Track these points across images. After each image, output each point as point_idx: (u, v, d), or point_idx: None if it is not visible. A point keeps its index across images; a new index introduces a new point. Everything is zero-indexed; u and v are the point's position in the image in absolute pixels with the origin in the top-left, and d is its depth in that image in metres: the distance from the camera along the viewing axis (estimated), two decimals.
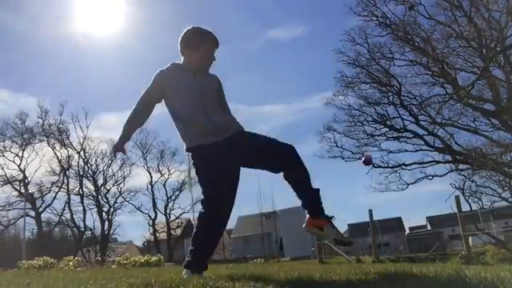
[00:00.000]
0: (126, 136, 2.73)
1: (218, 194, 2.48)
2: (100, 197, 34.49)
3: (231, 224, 45.39)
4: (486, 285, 1.55)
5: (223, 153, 2.51)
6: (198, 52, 2.72)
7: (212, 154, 2.51)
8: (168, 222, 36.81)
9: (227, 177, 2.52)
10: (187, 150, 2.64)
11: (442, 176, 16.83)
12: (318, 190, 2.60)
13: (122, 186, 35.09)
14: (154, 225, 36.60)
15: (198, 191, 37.21)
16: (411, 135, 17.46)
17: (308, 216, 2.62)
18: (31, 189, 31.81)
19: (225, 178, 2.50)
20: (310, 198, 2.59)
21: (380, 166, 17.74)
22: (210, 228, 2.50)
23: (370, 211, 11.10)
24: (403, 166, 17.34)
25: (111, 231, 35.03)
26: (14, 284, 2.54)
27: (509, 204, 17.74)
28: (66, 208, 33.18)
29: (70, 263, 9.69)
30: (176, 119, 2.68)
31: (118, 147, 2.71)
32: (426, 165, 17.00)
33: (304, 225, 2.64)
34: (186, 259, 2.54)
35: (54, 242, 34.87)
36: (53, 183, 32.66)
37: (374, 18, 17.09)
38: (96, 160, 34.65)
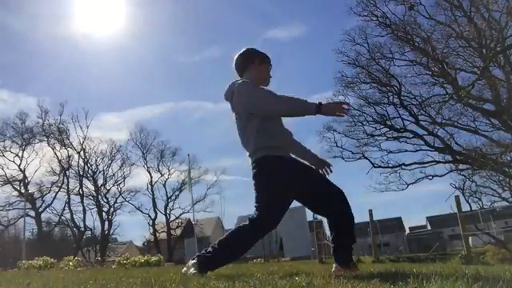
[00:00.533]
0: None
1: (280, 206, 2.51)
2: (100, 197, 34.51)
3: (231, 224, 45.37)
4: (485, 285, 1.55)
5: (296, 166, 2.63)
6: (265, 65, 2.81)
7: (288, 166, 2.56)
8: (168, 222, 36.80)
9: (292, 191, 2.56)
10: (262, 159, 2.54)
11: (442, 176, 16.85)
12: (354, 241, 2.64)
13: (121, 186, 35.12)
14: (154, 225, 36.60)
15: (197, 191, 37.02)
16: (411, 135, 17.47)
17: (337, 265, 2.59)
18: (31, 189, 31.83)
19: (290, 191, 2.55)
20: (347, 248, 2.61)
21: (380, 166, 17.77)
22: (254, 235, 2.54)
23: (370, 211, 11.12)
24: (403, 166, 17.35)
25: (111, 231, 35.05)
26: (14, 284, 2.54)
27: (509, 204, 17.74)
28: (66, 208, 33.21)
29: (70, 263, 9.68)
30: (264, 127, 2.55)
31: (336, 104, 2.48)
32: (425, 165, 17.01)
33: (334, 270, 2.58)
34: (202, 255, 2.48)
35: (54, 242, 34.83)
36: (53, 183, 32.69)
37: (374, 18, 17.11)
38: (96, 160, 34.68)
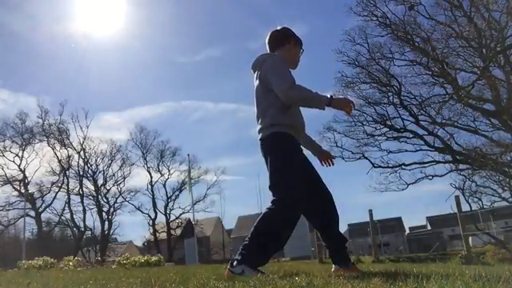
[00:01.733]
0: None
1: (297, 180, 2.44)
2: (100, 197, 34.51)
3: (231, 224, 45.41)
4: (485, 285, 1.55)
5: (302, 154, 2.68)
6: (298, 48, 2.83)
7: (297, 148, 2.62)
8: (168, 222, 36.80)
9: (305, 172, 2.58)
10: (276, 134, 2.51)
11: (442, 176, 16.84)
12: (345, 239, 2.66)
13: (121, 186, 35.12)
14: (154, 225, 36.59)
15: (197, 191, 37.09)
16: (411, 135, 17.47)
17: (336, 266, 2.59)
18: (31, 189, 31.81)
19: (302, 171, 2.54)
20: (342, 248, 2.63)
21: (380, 166, 17.76)
22: (282, 215, 2.38)
23: (370, 211, 11.12)
24: (403, 166, 17.35)
25: (111, 231, 35.05)
26: (14, 284, 2.54)
27: (509, 204, 17.71)
28: (66, 208, 33.20)
29: (70, 263, 9.69)
30: (286, 106, 2.52)
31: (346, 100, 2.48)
32: (425, 165, 17.01)
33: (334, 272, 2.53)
34: (241, 255, 2.33)
35: (54, 241, 34.83)
36: (53, 183, 32.67)
37: (374, 18, 17.11)
38: (96, 160, 34.69)
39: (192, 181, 26.00)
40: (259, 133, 2.60)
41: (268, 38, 2.82)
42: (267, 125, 2.54)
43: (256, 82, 2.67)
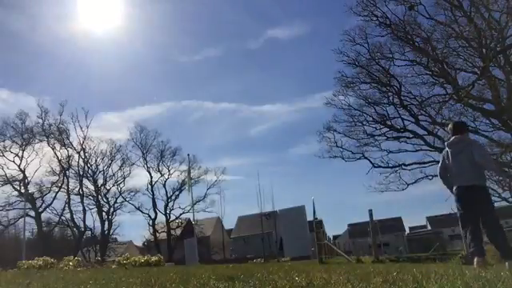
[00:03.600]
0: None
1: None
2: (100, 197, 34.52)
3: (231, 224, 45.40)
4: (485, 285, 1.55)
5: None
6: (468, 133, 5.07)
7: None
8: (168, 222, 36.78)
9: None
10: (485, 187, 4.65)
11: None
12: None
13: (121, 186, 35.17)
14: (154, 225, 36.59)
15: (197, 191, 37.03)
16: (411, 135, 17.49)
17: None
18: (31, 189, 31.82)
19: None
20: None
21: (380, 166, 17.77)
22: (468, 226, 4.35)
23: (370, 211, 11.12)
24: (403, 166, 17.35)
25: (111, 231, 35.08)
26: (14, 284, 2.54)
27: (509, 204, 17.71)
28: (66, 208, 33.22)
29: (70, 263, 9.69)
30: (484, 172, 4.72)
31: None
32: (425, 165, 17.04)
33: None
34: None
35: (54, 241, 34.79)
36: (53, 183, 32.68)
37: (374, 18, 17.12)
38: (96, 160, 34.73)
39: (192, 181, 26.05)
40: (473, 180, 4.43)
41: (454, 126, 4.99)
42: (482, 181, 4.50)
43: (460, 155, 4.59)
